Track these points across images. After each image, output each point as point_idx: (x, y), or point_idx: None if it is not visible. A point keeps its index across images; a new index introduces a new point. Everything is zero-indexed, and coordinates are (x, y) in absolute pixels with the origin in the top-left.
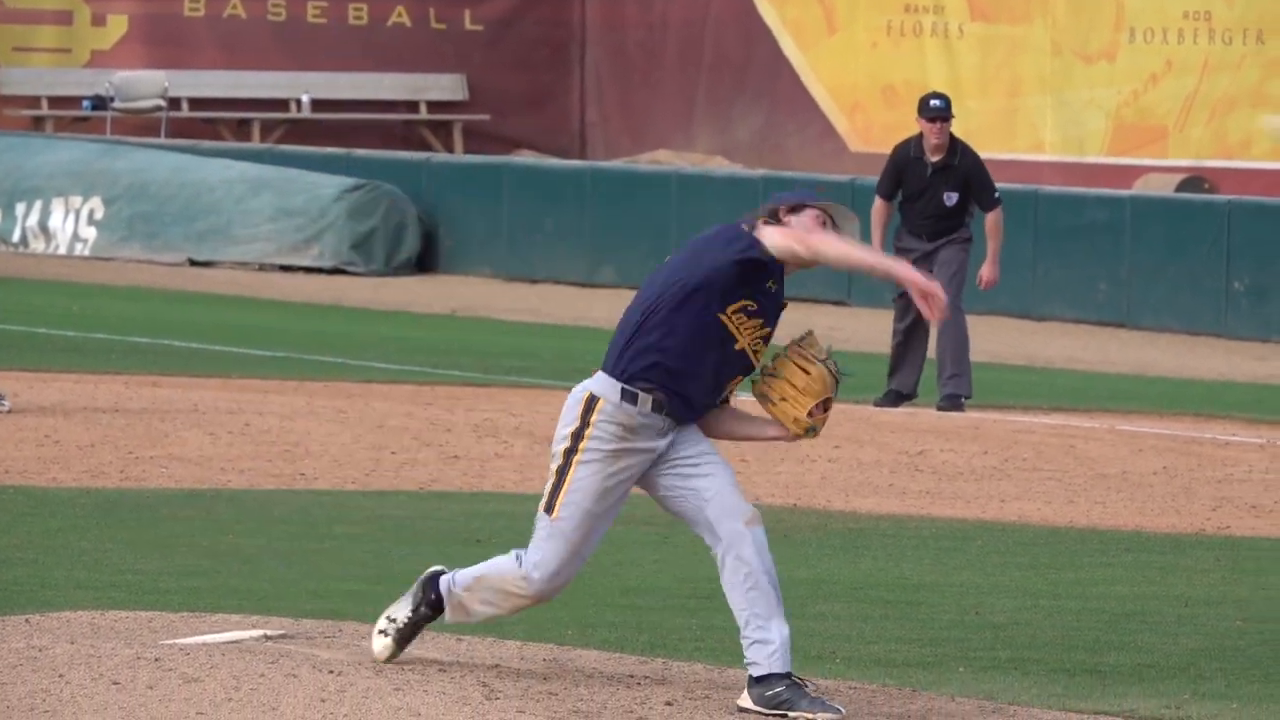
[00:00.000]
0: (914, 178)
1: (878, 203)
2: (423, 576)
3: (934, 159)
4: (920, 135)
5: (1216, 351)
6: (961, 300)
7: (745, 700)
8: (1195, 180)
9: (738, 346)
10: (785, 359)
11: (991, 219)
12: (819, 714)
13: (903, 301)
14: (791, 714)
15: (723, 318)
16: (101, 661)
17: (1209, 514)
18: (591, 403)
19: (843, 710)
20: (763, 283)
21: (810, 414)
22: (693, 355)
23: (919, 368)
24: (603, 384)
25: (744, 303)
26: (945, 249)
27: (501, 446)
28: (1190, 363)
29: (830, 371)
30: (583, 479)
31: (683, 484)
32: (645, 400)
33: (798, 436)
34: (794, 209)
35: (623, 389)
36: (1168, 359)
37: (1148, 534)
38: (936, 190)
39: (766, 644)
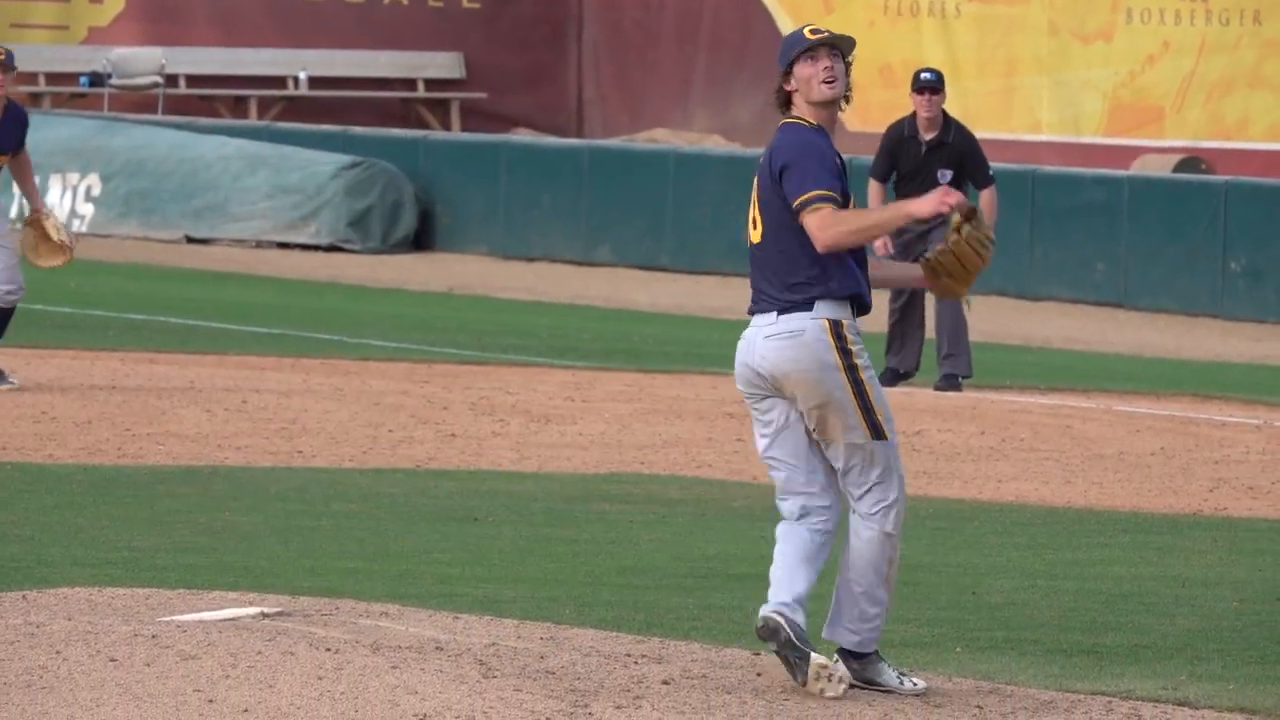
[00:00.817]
0: (908, 156)
1: (872, 185)
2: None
3: (928, 136)
4: (914, 114)
5: (1213, 332)
6: None
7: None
8: (1192, 161)
9: None
10: (961, 240)
11: (986, 196)
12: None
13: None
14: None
15: None
16: (99, 638)
17: (1206, 495)
18: (838, 327)
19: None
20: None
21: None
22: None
23: (918, 345)
24: (833, 308)
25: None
26: (940, 229)
27: (498, 424)
28: (1187, 343)
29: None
30: (877, 389)
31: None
32: (857, 310)
33: (944, 295)
34: (787, 73)
35: (850, 305)
36: (1165, 339)
37: (1145, 515)
38: (930, 168)
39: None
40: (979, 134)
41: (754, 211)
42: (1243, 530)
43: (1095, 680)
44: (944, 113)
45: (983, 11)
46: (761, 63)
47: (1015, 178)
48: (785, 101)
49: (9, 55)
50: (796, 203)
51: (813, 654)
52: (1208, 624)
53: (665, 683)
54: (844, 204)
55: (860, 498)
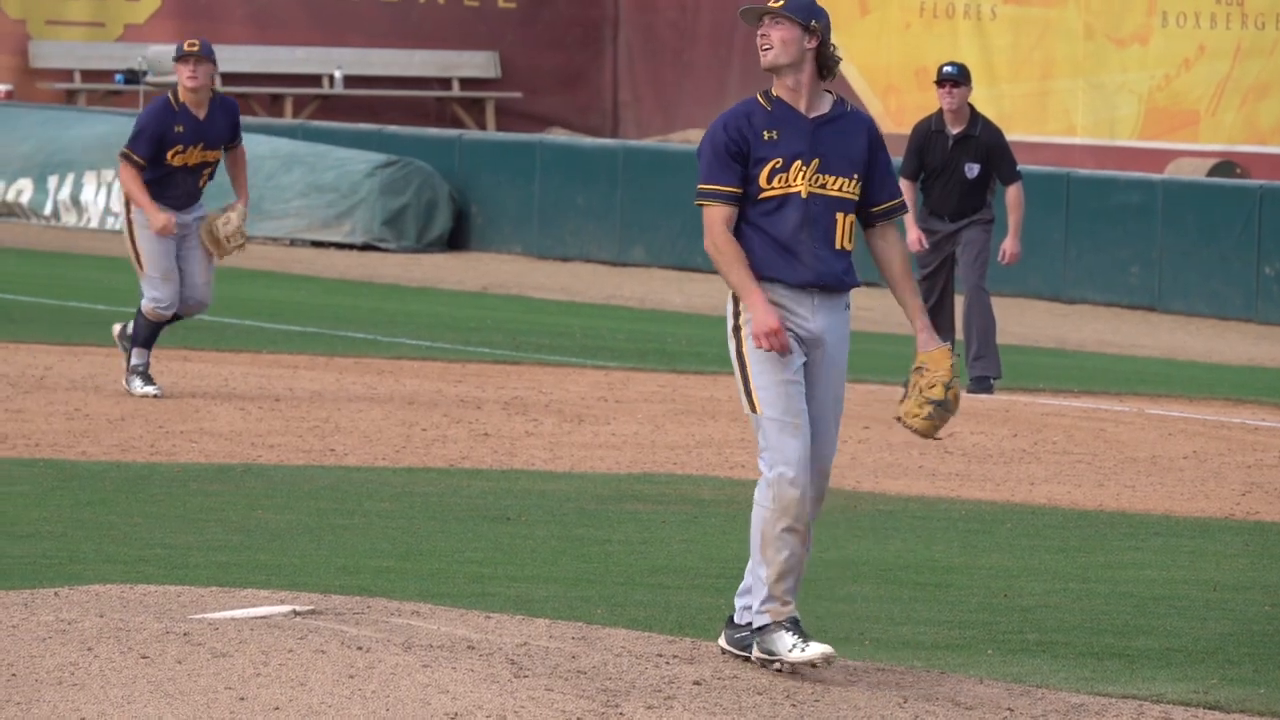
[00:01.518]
0: (935, 150)
1: (902, 184)
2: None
3: (954, 130)
4: (940, 111)
5: (1247, 336)
6: (986, 281)
7: (721, 640)
8: (1227, 165)
9: (804, 194)
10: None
11: (1013, 193)
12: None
13: (926, 284)
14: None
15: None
16: (130, 635)
17: (1238, 499)
18: (736, 298)
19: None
20: (762, 150)
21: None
22: (763, 228)
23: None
24: None
25: (769, 167)
26: (968, 229)
27: (531, 424)
28: (1220, 347)
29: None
30: (760, 356)
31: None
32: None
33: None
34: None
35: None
36: (1198, 343)
37: (1177, 518)
38: (958, 162)
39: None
40: (1013, 137)
41: None
42: (1275, 534)
43: (1126, 684)
44: (971, 107)
45: (1018, 14)
46: None
47: (1050, 181)
48: None
49: (204, 45)
50: (696, 190)
51: (754, 653)
52: (1239, 628)
53: (697, 683)
54: (736, 198)
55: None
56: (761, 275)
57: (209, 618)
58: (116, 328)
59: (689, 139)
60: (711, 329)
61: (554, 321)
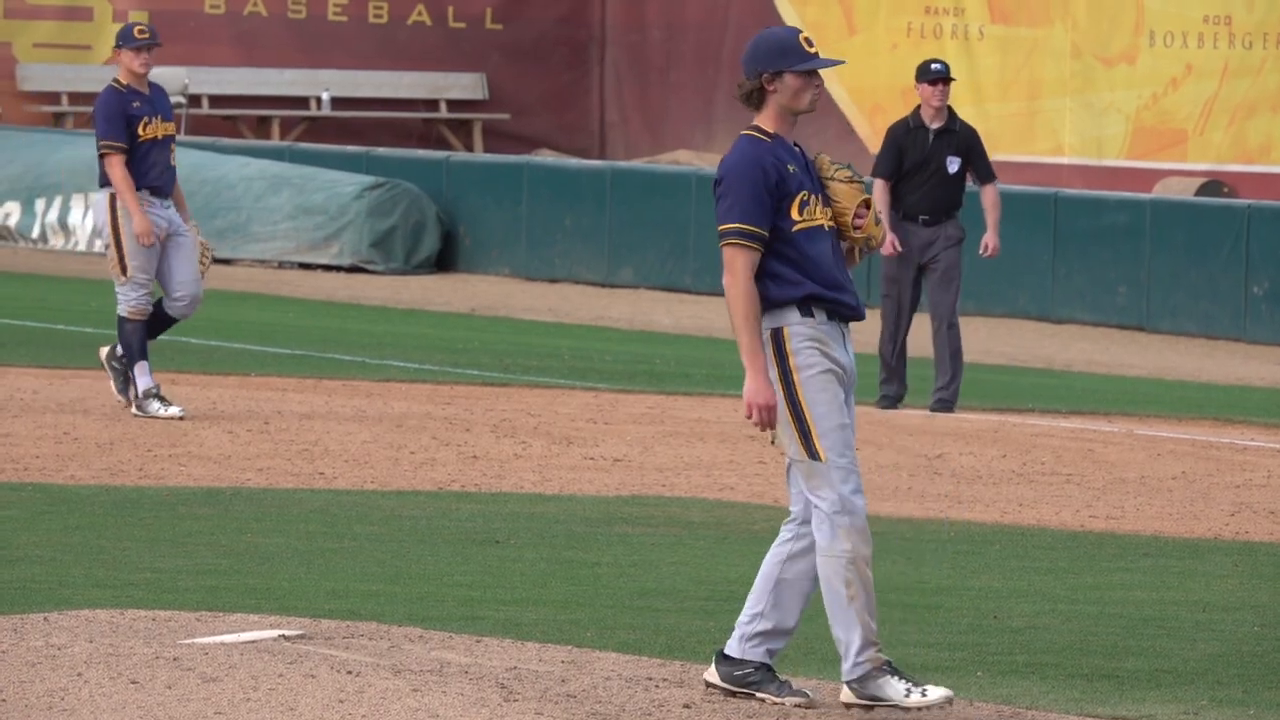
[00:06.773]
0: (916, 146)
1: (878, 183)
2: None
3: (935, 125)
4: (917, 109)
5: (1235, 356)
6: (957, 316)
7: (712, 675)
8: (1215, 184)
9: (826, 227)
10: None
11: (990, 192)
12: (786, 698)
13: (890, 302)
14: (759, 694)
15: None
16: (120, 660)
17: (1227, 519)
18: (778, 336)
19: (810, 695)
20: (786, 182)
21: (856, 225)
22: (808, 258)
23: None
24: (775, 317)
25: (797, 200)
26: (943, 254)
27: (520, 446)
28: (1209, 367)
29: (850, 180)
30: (821, 400)
31: None
32: (819, 312)
33: (861, 250)
34: (776, 75)
35: (797, 308)
36: (1187, 363)
37: (1166, 539)
38: (940, 156)
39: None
40: (1001, 156)
41: None
42: (1264, 555)
43: (1116, 705)
44: (948, 106)
45: (1005, 34)
46: None
47: (1038, 200)
48: (755, 96)
49: (154, 33)
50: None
51: (760, 693)
52: (1229, 649)
53: (686, 706)
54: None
55: None
56: (791, 298)
57: (198, 642)
58: (104, 351)
59: (677, 159)
60: (700, 350)
61: (542, 343)
